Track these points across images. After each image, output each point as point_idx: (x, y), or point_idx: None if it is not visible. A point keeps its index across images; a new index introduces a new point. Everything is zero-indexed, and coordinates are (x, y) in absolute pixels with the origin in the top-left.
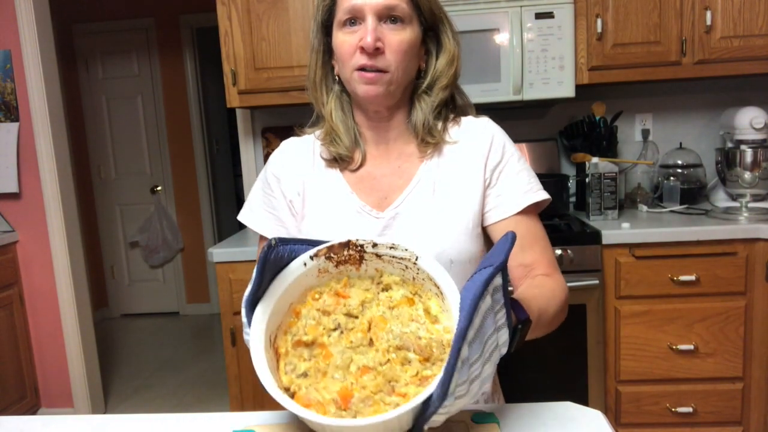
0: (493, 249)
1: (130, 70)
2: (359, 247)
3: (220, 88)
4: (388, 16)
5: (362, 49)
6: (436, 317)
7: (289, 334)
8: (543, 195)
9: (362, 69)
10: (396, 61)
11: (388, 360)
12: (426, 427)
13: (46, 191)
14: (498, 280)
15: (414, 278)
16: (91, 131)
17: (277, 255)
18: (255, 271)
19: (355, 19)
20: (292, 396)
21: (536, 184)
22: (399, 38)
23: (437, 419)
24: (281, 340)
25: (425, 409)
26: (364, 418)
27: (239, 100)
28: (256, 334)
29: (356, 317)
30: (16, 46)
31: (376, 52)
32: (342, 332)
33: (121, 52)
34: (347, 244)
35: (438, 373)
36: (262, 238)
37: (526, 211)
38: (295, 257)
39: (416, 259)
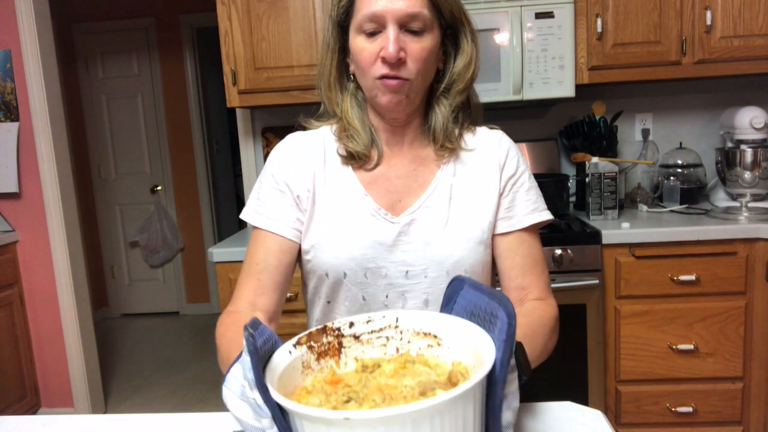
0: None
1: (130, 70)
2: (336, 331)
3: (220, 88)
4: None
5: (383, 59)
6: (437, 364)
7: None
8: (548, 215)
9: (383, 77)
10: (417, 70)
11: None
12: None
13: (46, 191)
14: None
15: (398, 349)
16: (91, 131)
17: (261, 337)
18: (247, 356)
19: (375, 25)
20: None
21: (542, 203)
22: (420, 46)
23: None
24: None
25: None
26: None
27: (239, 99)
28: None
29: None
30: (16, 46)
31: (398, 62)
32: (356, 401)
33: (121, 51)
34: (324, 330)
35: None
36: (268, 234)
37: (530, 229)
38: (274, 342)
39: (397, 321)
